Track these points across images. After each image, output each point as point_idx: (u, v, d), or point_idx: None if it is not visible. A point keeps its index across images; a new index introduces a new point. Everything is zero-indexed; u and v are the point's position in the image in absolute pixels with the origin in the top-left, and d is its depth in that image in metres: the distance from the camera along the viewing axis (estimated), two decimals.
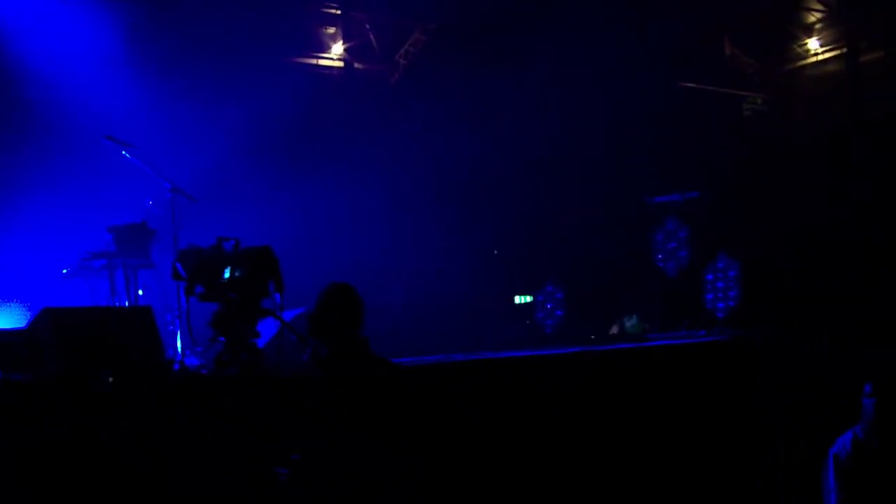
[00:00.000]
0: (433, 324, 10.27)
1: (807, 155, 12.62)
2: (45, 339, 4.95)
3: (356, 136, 12.05)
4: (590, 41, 11.72)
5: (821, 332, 7.90)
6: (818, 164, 12.06)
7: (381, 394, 4.57)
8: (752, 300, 10.72)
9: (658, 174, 12.55)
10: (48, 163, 8.98)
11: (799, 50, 15.12)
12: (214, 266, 5.79)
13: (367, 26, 12.83)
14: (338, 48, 12.74)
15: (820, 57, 14.99)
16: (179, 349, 6.64)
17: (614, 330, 9.81)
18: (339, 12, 12.71)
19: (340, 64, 12.80)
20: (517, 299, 12.47)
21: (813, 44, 14.99)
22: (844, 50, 14.64)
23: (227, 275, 5.76)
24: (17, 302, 8.10)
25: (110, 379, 4.74)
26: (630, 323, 9.75)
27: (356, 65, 12.84)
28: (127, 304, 7.22)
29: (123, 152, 7.33)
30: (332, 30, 12.79)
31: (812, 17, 14.95)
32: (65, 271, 7.76)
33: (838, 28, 14.71)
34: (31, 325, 5.20)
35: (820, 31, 14.94)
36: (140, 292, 7.40)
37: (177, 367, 6.16)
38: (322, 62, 12.74)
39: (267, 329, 6.14)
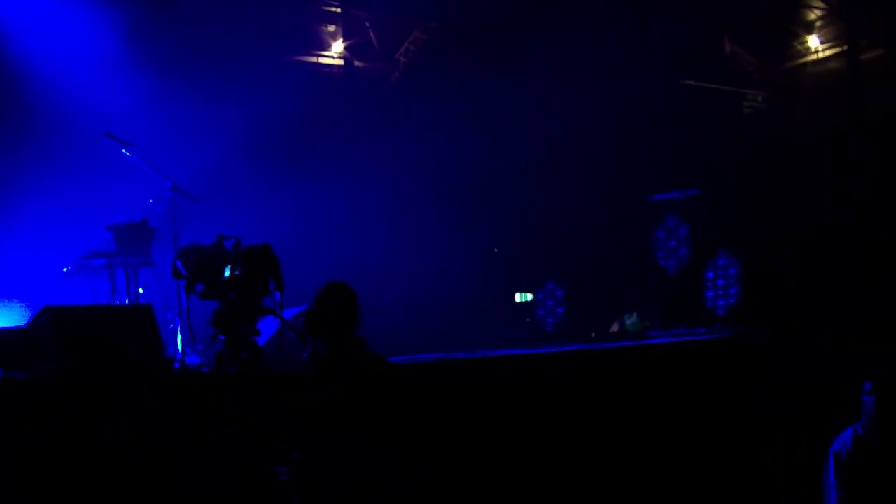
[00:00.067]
0: (434, 323, 10.26)
1: (808, 154, 12.60)
2: (45, 338, 4.94)
3: (357, 134, 12.04)
4: (591, 41, 11.72)
5: (821, 332, 7.90)
6: (819, 163, 12.04)
7: (382, 392, 4.57)
8: (753, 300, 10.71)
9: (659, 173, 12.54)
10: (48, 162, 8.97)
11: (799, 48, 15.12)
12: (215, 264, 5.79)
13: (368, 24, 12.81)
14: (338, 46, 12.72)
15: (820, 55, 14.99)
16: (180, 347, 6.63)
17: (615, 328, 9.83)
18: (339, 10, 12.69)
19: (341, 62, 12.78)
20: (518, 297, 12.47)
21: (813, 42, 14.99)
22: (845, 48, 14.64)
23: (227, 273, 5.76)
24: (17, 300, 8.09)
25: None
26: (630, 321, 9.76)
27: (356, 63, 12.83)
28: (127, 302, 7.22)
29: (123, 150, 7.33)
30: (332, 28, 12.77)
31: (813, 15, 14.94)
32: (65, 270, 7.75)
33: (839, 26, 14.71)
34: (32, 323, 5.18)
35: (820, 29, 14.94)
36: (140, 291, 7.40)
37: (177, 365, 6.15)
38: (322, 60, 12.72)
39: (267, 327, 6.14)
